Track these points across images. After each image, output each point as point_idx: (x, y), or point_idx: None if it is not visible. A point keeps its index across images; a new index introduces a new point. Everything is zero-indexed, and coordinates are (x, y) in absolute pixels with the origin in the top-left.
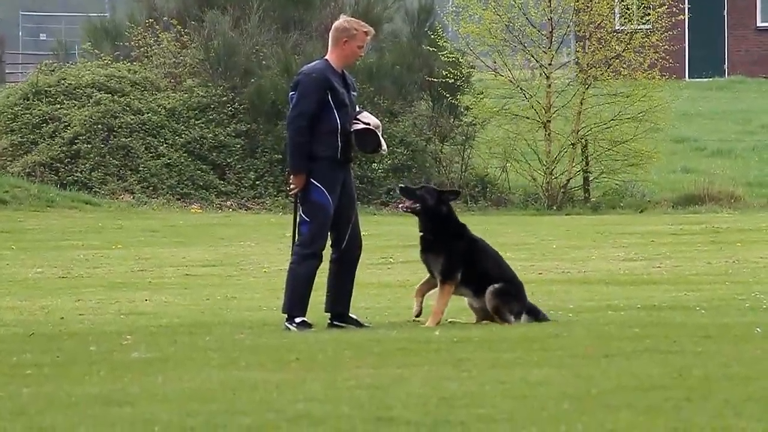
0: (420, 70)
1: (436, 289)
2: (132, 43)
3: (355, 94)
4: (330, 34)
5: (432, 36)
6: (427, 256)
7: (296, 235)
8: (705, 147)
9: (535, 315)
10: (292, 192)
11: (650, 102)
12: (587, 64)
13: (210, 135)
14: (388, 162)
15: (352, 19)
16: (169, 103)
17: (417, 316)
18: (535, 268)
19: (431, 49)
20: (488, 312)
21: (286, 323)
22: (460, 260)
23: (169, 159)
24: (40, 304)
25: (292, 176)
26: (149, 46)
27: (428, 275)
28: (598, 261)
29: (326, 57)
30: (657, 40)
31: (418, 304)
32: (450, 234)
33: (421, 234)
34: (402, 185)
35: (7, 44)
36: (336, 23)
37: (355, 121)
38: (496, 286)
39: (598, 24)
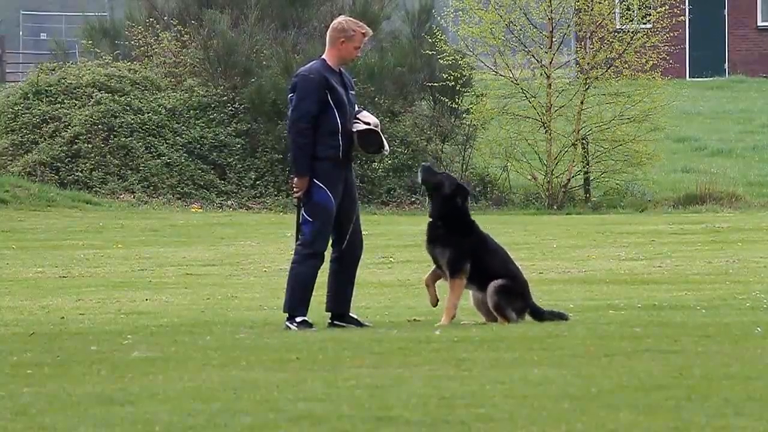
0: (421, 71)
1: (444, 283)
2: (132, 42)
3: (353, 93)
4: (327, 34)
5: (430, 40)
6: (434, 248)
7: (298, 234)
8: (705, 147)
9: (540, 316)
10: (296, 195)
11: (651, 102)
12: (588, 64)
13: (210, 134)
14: (389, 162)
15: (350, 19)
16: (169, 103)
17: (435, 305)
18: (536, 268)
19: (430, 52)
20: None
21: (286, 323)
22: (468, 254)
23: (169, 158)
24: (40, 304)
25: (295, 178)
26: (149, 46)
27: (434, 267)
28: (599, 260)
29: (323, 56)
30: (658, 41)
31: (432, 293)
32: (459, 227)
33: (430, 220)
34: (426, 164)
35: (7, 44)
36: (333, 23)
37: (355, 121)
38: (498, 282)
39: (599, 24)
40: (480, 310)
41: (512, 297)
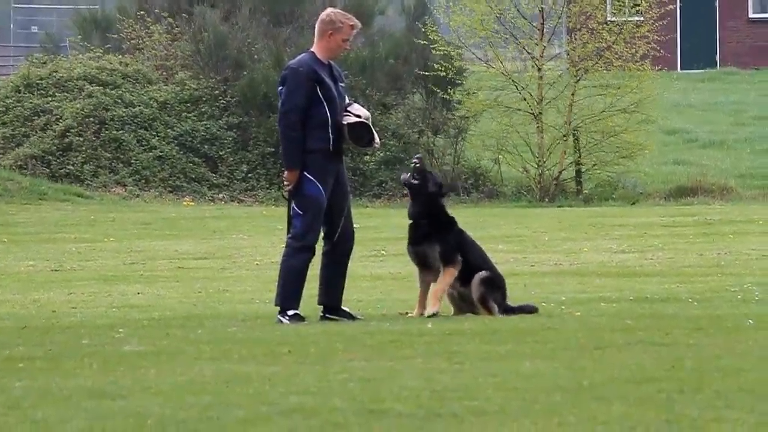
0: (414, 62)
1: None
2: (123, 35)
3: (343, 85)
4: (316, 26)
5: (423, 30)
6: (419, 249)
7: (289, 228)
8: (697, 139)
9: (510, 313)
10: (287, 188)
11: (642, 94)
12: (578, 56)
13: (202, 128)
14: (381, 155)
15: (339, 11)
16: (161, 96)
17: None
18: (528, 261)
19: (423, 42)
20: (471, 300)
21: (278, 316)
22: (456, 246)
23: (161, 152)
24: (32, 298)
25: (286, 172)
26: (140, 39)
27: (420, 283)
28: (591, 253)
29: (312, 49)
30: (648, 30)
31: (419, 312)
32: (441, 224)
33: (411, 221)
34: (420, 156)
35: None
36: (322, 15)
37: (346, 114)
38: (483, 274)
39: (589, 15)
40: (453, 303)
41: (495, 289)
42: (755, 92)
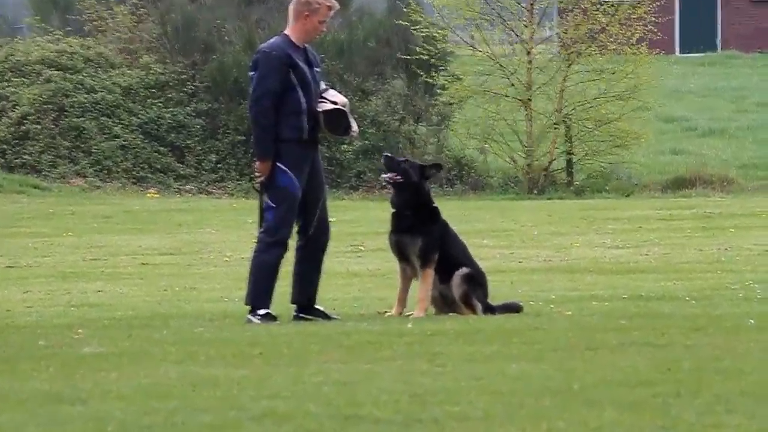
0: (396, 47)
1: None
2: (84, 16)
3: (318, 70)
4: (290, 7)
5: (405, 10)
6: (401, 238)
7: (261, 221)
8: (696, 127)
9: (491, 312)
10: (258, 179)
11: (637, 79)
12: (570, 39)
13: (168, 115)
14: (359, 144)
15: None
16: (124, 81)
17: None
18: (515, 256)
19: (405, 23)
20: (452, 299)
21: (249, 315)
22: (437, 242)
23: (124, 140)
24: None
25: (257, 162)
26: (103, 20)
27: (401, 278)
28: (582, 248)
29: (286, 32)
30: (645, 12)
31: (400, 308)
32: (426, 214)
33: (395, 211)
34: (387, 154)
35: None
36: None
37: (321, 100)
38: (464, 271)
39: None
40: (434, 304)
41: (477, 287)
42: (758, 77)
